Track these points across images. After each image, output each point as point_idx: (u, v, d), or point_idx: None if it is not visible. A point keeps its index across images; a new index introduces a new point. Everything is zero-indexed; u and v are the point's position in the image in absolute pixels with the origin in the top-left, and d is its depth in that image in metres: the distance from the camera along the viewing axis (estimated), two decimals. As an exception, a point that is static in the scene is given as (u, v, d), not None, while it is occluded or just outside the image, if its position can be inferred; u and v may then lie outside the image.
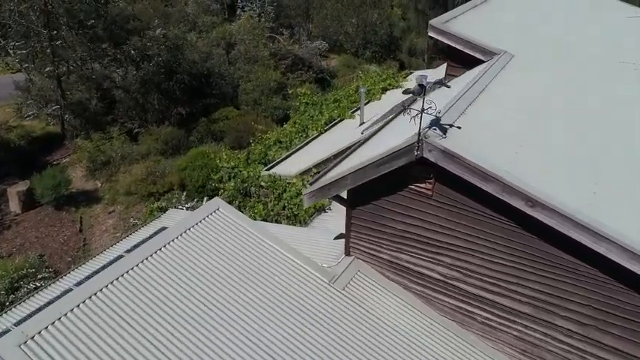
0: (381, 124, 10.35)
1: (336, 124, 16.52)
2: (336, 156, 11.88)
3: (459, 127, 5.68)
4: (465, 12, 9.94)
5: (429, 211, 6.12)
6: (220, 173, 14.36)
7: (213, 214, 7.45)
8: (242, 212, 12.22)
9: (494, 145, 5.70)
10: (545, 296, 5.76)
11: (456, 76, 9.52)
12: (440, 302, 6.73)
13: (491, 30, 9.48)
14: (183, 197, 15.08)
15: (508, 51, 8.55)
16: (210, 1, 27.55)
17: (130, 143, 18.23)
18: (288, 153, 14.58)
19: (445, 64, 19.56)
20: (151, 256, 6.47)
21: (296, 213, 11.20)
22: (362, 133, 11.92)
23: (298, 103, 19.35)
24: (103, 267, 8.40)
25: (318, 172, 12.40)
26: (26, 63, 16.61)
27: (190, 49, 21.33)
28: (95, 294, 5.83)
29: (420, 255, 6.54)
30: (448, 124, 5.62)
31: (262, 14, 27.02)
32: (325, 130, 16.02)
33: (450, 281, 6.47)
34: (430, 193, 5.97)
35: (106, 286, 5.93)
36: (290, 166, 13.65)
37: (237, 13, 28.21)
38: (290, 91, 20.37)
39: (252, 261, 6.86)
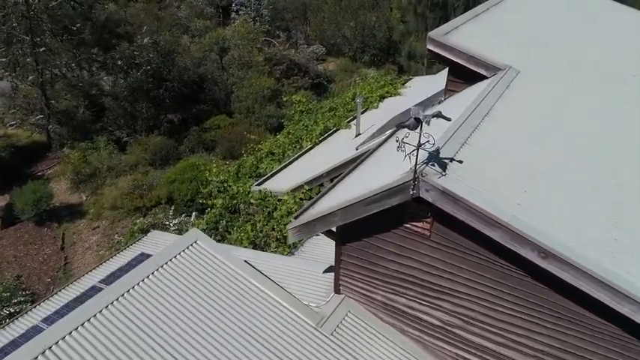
0: (375, 143, 9.70)
1: (331, 134, 15.85)
2: (328, 173, 11.24)
3: (461, 162, 5.02)
4: (466, 22, 9.27)
5: (426, 252, 5.46)
6: (209, 187, 13.71)
7: (191, 247, 6.81)
8: (229, 232, 11.65)
9: (501, 183, 5.03)
10: (557, 351, 5.10)
11: (457, 92, 8.88)
12: (439, 349, 6.07)
13: (495, 42, 8.82)
14: (170, 212, 14.44)
15: (513, 66, 7.90)
16: (203, 4, 26.82)
17: (118, 153, 17.57)
18: (280, 166, 13.90)
19: (446, 70, 18.94)
20: (117, 300, 5.82)
21: (286, 234, 10.51)
22: (357, 149, 11.27)
23: (293, 112, 18.69)
24: (69, 305, 7.78)
25: (310, 190, 11.80)
26: (7, 71, 15.91)
27: (182, 55, 20.67)
28: (50, 347, 5.19)
29: (417, 298, 5.88)
30: (448, 158, 4.96)
31: (257, 17, 26.33)
32: (320, 141, 15.34)
33: (450, 328, 5.80)
34: (428, 233, 5.31)
35: (63, 337, 5.29)
36: (282, 181, 12.98)
37: (232, 16, 27.50)
38: (285, 99, 19.69)
39: (231, 302, 6.20)
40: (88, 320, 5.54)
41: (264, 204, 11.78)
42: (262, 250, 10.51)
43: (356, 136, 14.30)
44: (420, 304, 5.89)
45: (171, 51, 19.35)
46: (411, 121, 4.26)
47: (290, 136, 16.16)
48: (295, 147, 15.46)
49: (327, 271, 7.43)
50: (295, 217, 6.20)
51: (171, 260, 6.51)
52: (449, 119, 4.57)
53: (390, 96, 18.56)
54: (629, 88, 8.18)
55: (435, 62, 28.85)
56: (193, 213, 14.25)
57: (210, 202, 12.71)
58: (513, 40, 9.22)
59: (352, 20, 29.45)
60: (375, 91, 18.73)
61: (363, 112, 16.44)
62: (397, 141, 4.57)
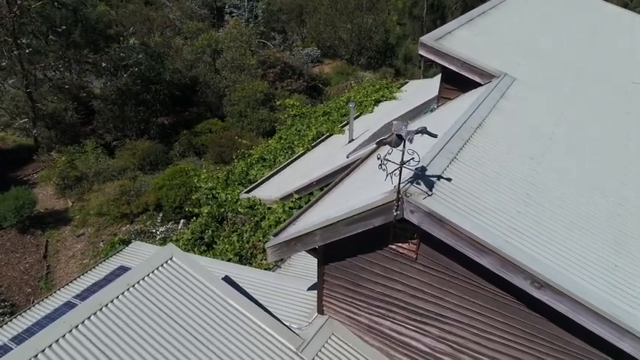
0: (363, 152, 9.31)
1: (324, 139, 15.47)
2: (318, 182, 10.86)
3: (449, 179, 4.65)
4: (461, 26, 8.90)
5: (412, 275, 5.08)
6: (198, 194, 13.33)
7: (165, 264, 6.41)
8: (215, 242, 11.25)
9: (493, 203, 4.65)
10: (553, 384, 4.72)
11: (450, 99, 8.52)
12: (427, 377, 5.69)
13: (490, 47, 8.46)
14: (158, 219, 14.04)
15: (509, 72, 7.54)
16: (196, 6, 26.42)
17: (107, 157, 17.15)
18: (270, 173, 13.51)
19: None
20: (83, 323, 5.42)
21: (272, 247, 10.10)
22: (348, 157, 10.89)
23: (286, 116, 18.30)
24: (40, 322, 7.39)
25: (300, 199, 11.41)
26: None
27: (173, 57, 20.27)
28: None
29: (404, 323, 5.50)
30: (435, 176, 4.59)
31: (251, 19, 25.91)
32: (312, 147, 14.96)
33: (439, 355, 5.42)
34: (414, 255, 4.93)
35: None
36: (272, 188, 12.60)
37: (225, 18, 27.08)
38: (278, 102, 19.30)
39: (206, 325, 5.81)
40: (50, 346, 5.16)
41: (252, 213, 11.39)
42: (248, 261, 10.13)
43: (349, 142, 13.93)
44: (407, 328, 5.51)
45: (162, 53, 18.95)
46: (393, 137, 3.88)
47: (282, 142, 15.77)
48: (287, 152, 15.07)
49: (311, 288, 7.06)
50: (275, 235, 5.82)
51: (143, 279, 6.11)
52: (435, 136, 4.19)
53: (386, 100, 18.20)
54: (629, 96, 7.83)
55: (431, 65, 28.57)
56: (181, 220, 13.86)
57: (196, 211, 12.31)
58: (509, 45, 8.87)
59: (349, 22, 29.08)
60: (370, 95, 18.36)
61: (357, 117, 16.08)
62: (378, 158, 4.19)
